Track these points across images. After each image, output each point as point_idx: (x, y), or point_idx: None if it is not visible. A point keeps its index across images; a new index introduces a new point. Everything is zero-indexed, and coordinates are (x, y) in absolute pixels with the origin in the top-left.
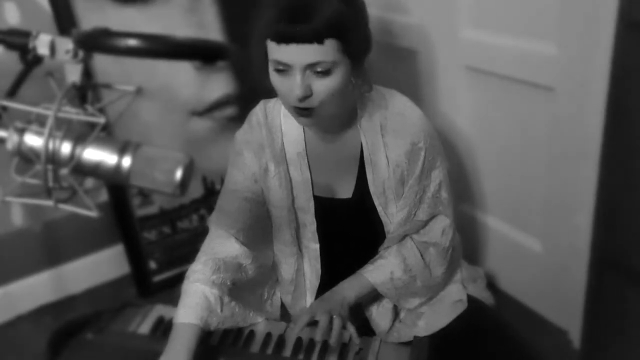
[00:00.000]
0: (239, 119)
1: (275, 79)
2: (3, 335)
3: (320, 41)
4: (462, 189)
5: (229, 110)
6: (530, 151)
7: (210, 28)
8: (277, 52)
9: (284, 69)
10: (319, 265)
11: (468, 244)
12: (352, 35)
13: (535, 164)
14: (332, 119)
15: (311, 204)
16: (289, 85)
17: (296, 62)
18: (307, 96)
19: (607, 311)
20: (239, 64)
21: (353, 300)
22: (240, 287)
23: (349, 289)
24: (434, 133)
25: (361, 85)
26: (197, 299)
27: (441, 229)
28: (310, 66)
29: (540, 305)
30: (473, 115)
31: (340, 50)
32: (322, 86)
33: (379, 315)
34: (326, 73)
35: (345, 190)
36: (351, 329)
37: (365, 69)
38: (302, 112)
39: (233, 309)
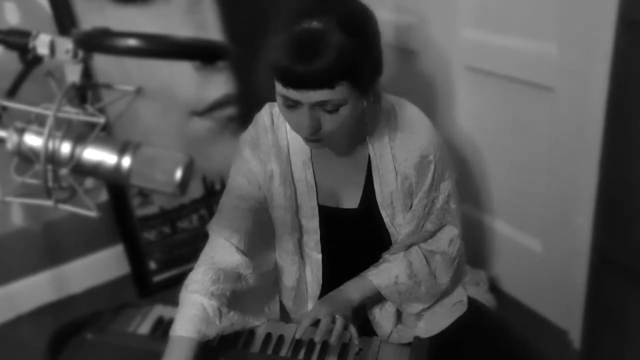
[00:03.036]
0: (239, 119)
1: (283, 110)
2: (3, 335)
3: (331, 87)
4: (461, 190)
5: (229, 110)
6: (530, 151)
7: (210, 28)
8: (285, 91)
9: (292, 104)
10: (320, 275)
11: (468, 245)
12: (362, 72)
13: (535, 164)
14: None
15: (315, 213)
16: (297, 120)
17: (304, 101)
18: (316, 130)
19: (607, 311)
20: (239, 64)
21: (357, 302)
22: (239, 296)
23: (354, 290)
24: (443, 144)
25: (373, 99)
26: (195, 310)
27: (449, 239)
28: (319, 104)
29: (541, 305)
30: (473, 115)
31: (351, 89)
32: (332, 121)
33: (382, 318)
34: (335, 110)
35: (350, 201)
36: (352, 330)
37: (376, 88)
38: (312, 142)
39: (232, 318)
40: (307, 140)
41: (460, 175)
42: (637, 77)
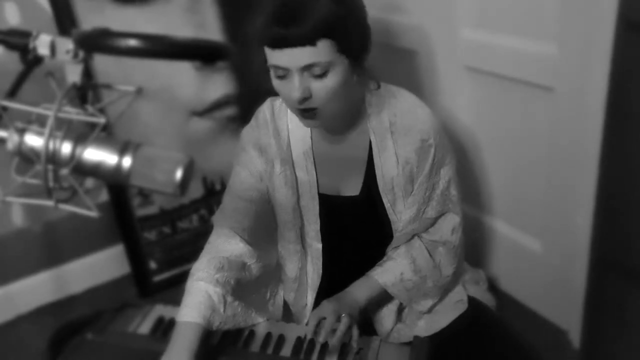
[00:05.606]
0: (239, 119)
1: (276, 83)
2: (3, 335)
3: (312, 43)
4: (461, 189)
5: (229, 111)
6: (530, 151)
7: (210, 28)
8: (274, 57)
9: (282, 74)
10: (320, 265)
11: (467, 245)
12: (346, 34)
13: (535, 164)
14: (338, 119)
15: (315, 203)
16: (289, 89)
17: (292, 65)
18: (306, 98)
19: (607, 311)
20: (239, 64)
21: (364, 302)
22: (243, 287)
23: (360, 291)
24: (443, 130)
25: (367, 83)
26: (201, 297)
27: (451, 227)
28: (307, 68)
29: (540, 305)
30: (473, 115)
31: (336, 50)
32: (321, 87)
33: (383, 315)
34: (323, 74)
35: (352, 188)
36: (354, 332)
37: (367, 67)
38: (305, 113)
39: (235, 308)
40: (301, 113)
41: (459, 174)
42: (637, 77)
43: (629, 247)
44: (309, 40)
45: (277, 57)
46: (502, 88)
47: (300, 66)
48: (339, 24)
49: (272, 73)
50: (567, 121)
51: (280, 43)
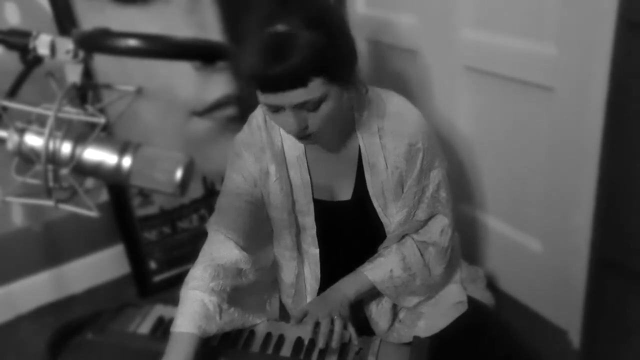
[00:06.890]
0: (239, 119)
1: (269, 115)
2: (3, 335)
3: (304, 84)
4: (461, 189)
5: (229, 111)
6: (530, 151)
7: (210, 28)
8: (265, 98)
9: (276, 109)
10: (318, 270)
11: (467, 244)
12: (334, 65)
13: (535, 164)
14: (331, 132)
15: (311, 208)
16: (284, 122)
17: (285, 104)
18: (303, 129)
19: (607, 311)
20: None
21: (353, 297)
22: (239, 292)
23: (349, 286)
24: (432, 133)
25: (356, 90)
26: (196, 307)
27: (440, 228)
28: (300, 105)
29: (540, 305)
30: (473, 115)
31: (327, 83)
32: (316, 118)
33: (378, 314)
34: (317, 107)
35: (344, 193)
36: (351, 330)
37: (356, 76)
38: (303, 139)
39: (232, 314)
40: (298, 138)
41: (460, 174)
42: (637, 77)
43: (629, 247)
44: (299, 82)
45: (268, 98)
46: (502, 88)
47: (293, 104)
48: (326, 59)
49: (264, 106)
50: (567, 121)
51: (271, 88)
